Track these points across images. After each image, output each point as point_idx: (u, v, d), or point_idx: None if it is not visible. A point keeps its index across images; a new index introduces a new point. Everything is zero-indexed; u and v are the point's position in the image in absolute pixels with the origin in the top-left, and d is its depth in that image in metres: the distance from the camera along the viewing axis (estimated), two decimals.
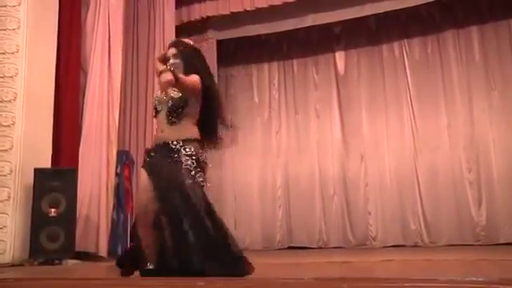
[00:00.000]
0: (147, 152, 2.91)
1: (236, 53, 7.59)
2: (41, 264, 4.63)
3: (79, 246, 5.02)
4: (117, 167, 5.71)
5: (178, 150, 2.75)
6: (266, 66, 7.61)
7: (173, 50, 2.98)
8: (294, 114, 7.35)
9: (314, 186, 7.00)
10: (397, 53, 6.99)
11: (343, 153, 7.01)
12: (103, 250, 5.29)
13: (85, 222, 5.25)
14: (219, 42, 7.02)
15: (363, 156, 6.89)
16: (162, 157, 2.77)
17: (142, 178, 2.81)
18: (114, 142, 5.66)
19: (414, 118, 6.76)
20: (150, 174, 2.77)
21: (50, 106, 5.28)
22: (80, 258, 4.98)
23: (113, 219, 5.60)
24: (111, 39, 5.79)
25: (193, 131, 2.86)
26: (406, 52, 6.94)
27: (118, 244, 5.69)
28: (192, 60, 2.96)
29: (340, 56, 7.26)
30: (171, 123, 2.83)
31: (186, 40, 3.14)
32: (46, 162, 5.10)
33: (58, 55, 5.43)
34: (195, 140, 2.84)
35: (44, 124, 5.20)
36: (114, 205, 5.60)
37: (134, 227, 2.89)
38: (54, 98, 5.33)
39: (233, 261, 2.63)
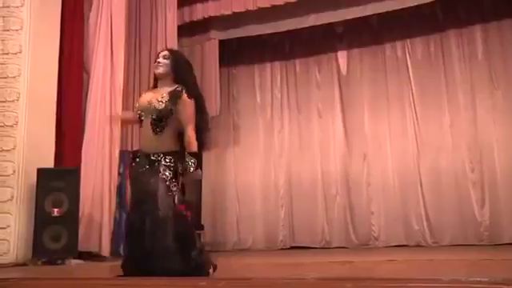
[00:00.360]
0: (133, 157, 3.03)
1: (238, 53, 7.58)
2: (44, 264, 4.65)
3: (82, 246, 5.04)
4: (119, 167, 5.73)
5: (159, 161, 2.86)
6: (268, 65, 7.59)
7: (165, 52, 3.06)
8: (297, 114, 7.34)
9: (316, 185, 6.99)
10: (399, 52, 6.97)
11: (346, 152, 6.99)
12: (106, 250, 5.31)
13: (88, 222, 5.26)
14: (221, 42, 7.01)
15: (366, 156, 6.87)
16: (142, 166, 2.89)
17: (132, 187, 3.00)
18: (117, 141, 5.68)
19: (417, 118, 6.73)
20: (130, 178, 2.99)
21: (52, 106, 5.30)
22: (83, 257, 5.00)
23: (115, 219, 5.60)
24: (113, 39, 5.80)
25: (174, 143, 2.93)
26: (409, 51, 6.92)
27: (121, 244, 5.69)
28: (182, 68, 3.02)
29: (342, 55, 7.25)
30: (155, 133, 2.91)
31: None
32: (49, 162, 5.11)
33: (61, 55, 5.45)
34: (175, 152, 2.91)
35: (47, 124, 5.21)
36: (116, 205, 5.61)
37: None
38: (57, 98, 5.35)
39: (190, 263, 2.79)
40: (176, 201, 2.83)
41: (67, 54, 5.52)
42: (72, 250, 4.79)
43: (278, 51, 7.58)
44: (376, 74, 7.05)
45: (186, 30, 6.93)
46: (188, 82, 2.99)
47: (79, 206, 5.01)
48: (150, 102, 2.94)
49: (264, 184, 7.23)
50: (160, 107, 2.89)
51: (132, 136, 6.30)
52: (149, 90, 3.15)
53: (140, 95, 3.15)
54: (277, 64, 7.57)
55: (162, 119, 2.89)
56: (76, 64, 5.61)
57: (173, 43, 6.40)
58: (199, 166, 2.93)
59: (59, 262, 4.70)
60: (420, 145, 6.66)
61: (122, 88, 5.82)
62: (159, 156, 2.86)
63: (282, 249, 6.86)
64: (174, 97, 2.91)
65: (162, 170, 2.83)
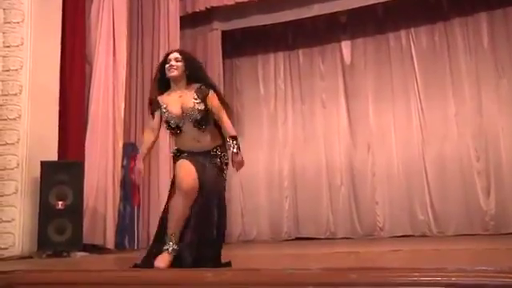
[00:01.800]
0: (181, 154, 3.03)
1: (241, 44, 7.54)
2: (49, 256, 4.68)
3: (87, 239, 5.07)
4: (123, 160, 5.76)
5: (220, 157, 3.00)
6: (271, 56, 7.56)
7: (175, 54, 3.08)
8: (300, 105, 7.32)
9: (320, 176, 6.98)
10: (404, 41, 6.92)
11: (350, 143, 6.98)
12: (110, 243, 5.34)
13: (92, 215, 5.29)
14: (224, 33, 6.99)
15: (370, 146, 6.86)
16: (203, 159, 2.96)
17: (185, 165, 2.92)
18: (120, 134, 5.71)
19: (422, 107, 6.70)
20: (194, 164, 2.91)
21: (55, 98, 5.29)
22: (87, 250, 5.01)
23: (120, 211, 5.65)
24: (116, 31, 5.79)
25: (217, 138, 3.06)
26: (413, 40, 6.87)
27: (125, 236, 5.74)
28: (195, 67, 3.11)
29: (346, 45, 7.21)
30: (203, 131, 3.00)
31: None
32: (53, 155, 5.12)
33: (63, 47, 5.43)
34: (223, 144, 3.05)
35: (50, 117, 5.22)
36: (120, 197, 5.65)
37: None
38: (60, 91, 5.35)
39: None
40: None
41: (69, 46, 5.50)
42: (77, 242, 4.82)
43: (281, 42, 7.54)
44: (380, 64, 7.02)
45: (189, 21, 6.90)
46: (204, 79, 3.09)
47: (83, 199, 5.02)
48: (186, 107, 2.98)
49: (268, 175, 7.24)
50: (201, 107, 2.98)
51: (136, 128, 6.33)
52: (163, 95, 3.09)
53: (154, 108, 3.09)
54: (280, 55, 7.54)
55: (205, 117, 2.99)
56: (78, 57, 5.60)
57: (175, 35, 6.40)
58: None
59: (64, 254, 4.73)
60: (425, 134, 6.64)
61: (124, 80, 5.82)
62: (218, 150, 3.01)
63: (286, 240, 6.88)
64: (202, 95, 3.01)
65: (223, 168, 3.00)
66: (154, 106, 3.08)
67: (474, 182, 6.29)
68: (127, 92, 6.03)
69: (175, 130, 3.02)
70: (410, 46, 6.88)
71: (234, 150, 2.93)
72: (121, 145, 5.68)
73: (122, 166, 5.75)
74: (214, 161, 2.98)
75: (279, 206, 7.10)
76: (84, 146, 5.47)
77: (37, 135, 4.99)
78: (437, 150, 6.54)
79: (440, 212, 6.37)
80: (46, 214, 4.76)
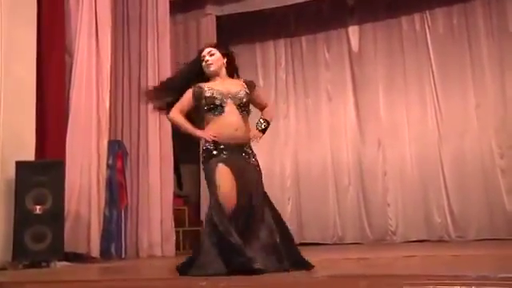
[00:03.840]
0: (217, 147, 3.12)
1: (238, 30, 7.53)
2: (26, 267, 4.63)
3: (68, 247, 5.03)
4: (108, 159, 5.74)
5: (254, 156, 3.19)
6: (271, 43, 7.59)
7: (210, 49, 3.30)
8: (304, 97, 7.35)
9: (326, 175, 7.01)
10: (418, 26, 6.93)
11: (359, 139, 7.01)
12: (95, 251, 5.31)
13: (74, 220, 5.26)
14: (219, 18, 6.99)
15: (381, 142, 6.89)
16: (239, 159, 3.12)
17: (225, 173, 3.03)
18: (105, 130, 5.68)
19: (438, 99, 6.71)
20: (235, 174, 3.05)
21: (31, 92, 5.26)
22: (69, 259, 4.98)
23: (105, 216, 5.62)
24: (98, 18, 5.77)
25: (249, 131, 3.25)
26: (429, 25, 6.88)
27: (112, 243, 5.73)
28: (231, 59, 3.35)
29: (354, 31, 7.22)
30: (244, 117, 3.18)
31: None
32: (30, 155, 5.08)
33: (39, 36, 5.39)
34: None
35: (26, 113, 5.18)
36: (105, 200, 5.62)
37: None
38: (37, 84, 5.31)
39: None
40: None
41: (47, 35, 5.45)
42: (57, 251, 4.76)
43: (282, 27, 7.55)
44: (392, 52, 7.03)
45: (180, 4, 6.89)
46: (234, 72, 3.38)
47: (64, 203, 4.97)
48: (232, 88, 3.19)
49: (268, 175, 7.06)
50: (248, 91, 3.21)
51: (122, 124, 6.32)
52: (205, 83, 3.28)
53: (194, 90, 3.22)
54: (281, 42, 7.56)
55: (247, 105, 3.20)
56: (57, 46, 5.56)
57: (165, 20, 6.38)
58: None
59: (43, 264, 4.69)
60: (442, 129, 6.66)
61: (109, 72, 5.80)
62: (250, 148, 3.19)
63: None
64: (250, 86, 3.26)
65: (259, 169, 3.17)
66: (197, 91, 3.22)
67: (497, 182, 6.29)
68: (112, 84, 6.00)
69: (217, 109, 3.14)
70: (425, 31, 6.88)
71: (262, 127, 3.25)
72: (106, 142, 5.66)
73: (108, 166, 5.73)
74: (251, 160, 3.16)
75: (281, 208, 6.91)
76: (65, 143, 5.43)
77: (12, 133, 4.95)
78: (455, 147, 6.54)
79: (459, 214, 6.38)
80: (22, 220, 4.71)
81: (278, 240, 2.98)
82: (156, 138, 6.15)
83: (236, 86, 3.22)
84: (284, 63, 7.50)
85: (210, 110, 3.15)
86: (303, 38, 7.45)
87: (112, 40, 5.93)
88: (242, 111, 3.16)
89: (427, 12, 6.89)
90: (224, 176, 3.01)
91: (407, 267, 3.56)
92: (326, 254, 5.40)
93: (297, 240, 6.79)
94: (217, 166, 3.04)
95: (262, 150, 7.20)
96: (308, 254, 5.20)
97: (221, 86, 3.20)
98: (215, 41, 6.73)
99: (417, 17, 6.95)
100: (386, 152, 6.84)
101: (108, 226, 5.68)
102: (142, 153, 6.19)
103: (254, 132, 3.21)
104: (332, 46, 7.32)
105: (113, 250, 5.73)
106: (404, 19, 7.01)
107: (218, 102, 3.13)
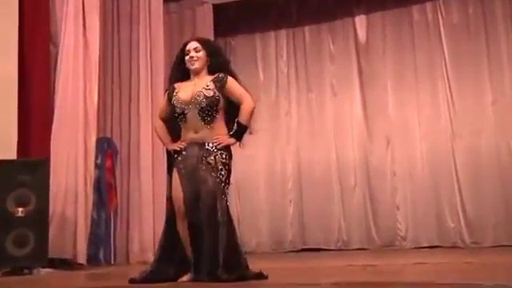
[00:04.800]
0: (178, 153, 3.24)
1: (236, 20, 7.56)
2: (6, 274, 4.61)
3: (53, 252, 4.98)
4: (96, 157, 5.71)
5: (215, 154, 3.14)
6: (272, 34, 7.59)
7: (195, 44, 3.32)
8: (307, 92, 7.35)
9: (331, 176, 7.01)
10: (430, 15, 6.91)
11: (366, 137, 7.01)
12: (82, 256, 5.27)
13: (59, 223, 5.22)
14: (216, 7, 6.96)
15: (389, 140, 6.89)
16: (196, 159, 3.15)
17: (175, 179, 3.17)
18: (93, 127, 5.64)
19: (451, 94, 6.70)
20: (182, 177, 3.14)
21: (13, 86, 5.23)
22: (54, 265, 4.95)
23: (93, 219, 5.58)
24: (86, 5, 5.74)
25: (226, 132, 3.23)
26: (442, 14, 6.86)
27: (100, 248, 5.70)
28: (218, 57, 3.37)
29: (361, 21, 7.22)
30: (206, 123, 3.19)
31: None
32: (11, 153, 5.05)
33: (22, 24, 5.36)
34: (228, 147, 3.23)
35: (7, 108, 5.15)
36: (93, 202, 5.59)
37: (168, 231, 3.25)
38: (19, 77, 5.28)
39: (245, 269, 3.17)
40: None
41: (29, 23, 5.42)
42: (41, 256, 4.72)
43: (283, 17, 7.55)
44: (402, 43, 7.03)
45: None
46: (225, 69, 3.34)
47: (49, 204, 4.93)
48: (195, 94, 3.20)
49: (269, 175, 7.28)
50: (209, 94, 3.18)
51: (112, 120, 6.30)
52: (181, 84, 3.35)
53: (169, 92, 3.35)
54: (283, 33, 7.57)
55: (212, 107, 3.17)
56: (41, 36, 5.53)
57: (158, 9, 6.36)
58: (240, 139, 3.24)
59: (25, 271, 4.65)
60: (455, 126, 6.65)
61: (97, 64, 5.76)
62: (215, 148, 3.15)
63: (290, 251, 6.91)
64: (221, 84, 3.23)
65: (219, 167, 3.12)
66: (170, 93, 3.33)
67: None
68: (101, 77, 5.97)
69: (180, 117, 3.23)
70: (438, 21, 6.87)
71: (232, 131, 3.19)
72: (94, 139, 5.63)
73: (96, 165, 5.70)
74: (209, 159, 3.13)
75: (282, 211, 7.14)
76: (50, 141, 5.40)
77: None
78: (470, 146, 6.53)
79: (474, 218, 6.36)
80: (2, 223, 4.67)
81: (219, 247, 3.00)
82: (148, 135, 6.11)
83: (199, 88, 3.22)
84: (286, 56, 7.50)
85: (176, 117, 3.26)
86: (306, 29, 7.44)
87: (101, 29, 5.89)
88: (204, 116, 3.18)
89: (440, 0, 6.87)
90: (174, 182, 3.16)
91: (417, 275, 3.56)
92: (329, 260, 5.46)
93: (298, 245, 6.96)
94: (173, 174, 3.18)
95: (261, 150, 7.34)
96: (310, 260, 5.22)
97: (188, 91, 3.24)
98: (212, 31, 6.75)
99: (429, 5, 6.94)
100: (395, 151, 6.83)
101: (96, 230, 5.65)
102: (132, 151, 6.15)
103: (222, 136, 3.19)
104: (337, 37, 7.31)
105: (101, 255, 5.70)
106: (415, 8, 7.00)
107: (178, 111, 3.23)
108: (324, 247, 6.78)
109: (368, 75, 7.11)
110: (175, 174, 3.17)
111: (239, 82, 3.32)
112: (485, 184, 6.39)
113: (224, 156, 3.15)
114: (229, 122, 3.28)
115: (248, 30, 7.61)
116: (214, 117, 3.20)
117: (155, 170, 6.09)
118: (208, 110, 3.17)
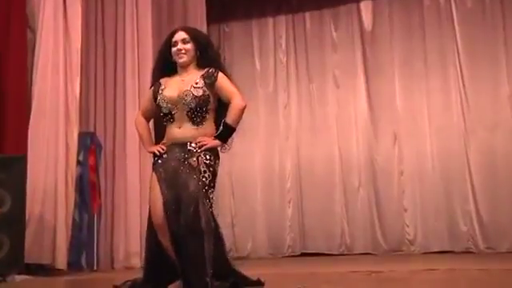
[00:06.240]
0: (159, 152, 3.23)
1: (231, 5, 7.54)
2: None
3: (30, 257, 5.01)
4: (78, 154, 5.71)
5: (198, 155, 3.10)
6: (270, 21, 7.58)
7: (184, 35, 3.29)
8: (307, 84, 7.33)
9: (333, 174, 7.00)
10: (442, 0, 6.87)
11: (371, 132, 7.00)
12: (62, 261, 5.29)
13: (37, 226, 5.23)
14: None
15: (397, 136, 6.88)
16: (177, 161, 3.11)
17: (154, 186, 3.12)
18: (75, 121, 5.65)
19: (465, 86, 6.68)
20: (161, 183, 3.09)
21: None
22: (31, 272, 4.95)
23: (74, 221, 5.58)
24: None
25: (214, 132, 3.20)
26: None
27: (82, 253, 5.71)
28: (207, 49, 3.33)
29: (366, 6, 7.20)
30: (195, 124, 3.18)
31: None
32: None
33: None
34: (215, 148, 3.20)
35: None
36: (75, 202, 5.59)
37: (151, 237, 3.25)
38: None
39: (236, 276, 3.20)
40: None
41: (3, 6, 5.39)
42: (16, 262, 4.74)
43: (282, 2, 7.53)
44: (410, 31, 7.01)
45: None
46: (216, 63, 3.32)
47: (25, 205, 4.95)
48: (183, 93, 3.17)
49: (266, 174, 7.27)
50: (199, 93, 3.15)
51: (95, 113, 6.28)
52: (167, 79, 3.33)
53: (154, 88, 3.33)
54: (281, 19, 7.56)
55: (201, 107, 3.16)
56: (16, 20, 5.52)
57: None
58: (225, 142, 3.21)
59: None
60: (468, 121, 6.64)
61: (79, 51, 5.76)
62: (198, 148, 3.11)
63: (289, 256, 6.92)
64: (211, 81, 3.20)
65: (202, 169, 3.06)
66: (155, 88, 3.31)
67: None
68: (84, 66, 5.98)
69: (166, 117, 3.20)
70: (451, 6, 6.84)
71: (217, 133, 3.15)
72: (76, 135, 5.65)
73: (78, 162, 5.70)
74: (191, 160, 3.09)
75: (280, 213, 7.13)
76: (27, 136, 5.42)
77: None
78: (484, 142, 6.53)
79: (488, 222, 6.36)
80: None
81: (205, 257, 2.96)
82: (135, 130, 6.07)
83: (188, 85, 3.19)
84: (285, 44, 7.48)
85: (163, 116, 3.25)
86: (307, 15, 7.42)
87: (83, 14, 5.87)
88: (193, 117, 3.17)
89: None
90: (153, 189, 3.12)
91: (427, 282, 3.58)
92: (332, 265, 5.47)
93: (298, 249, 6.96)
94: (152, 181, 3.16)
95: (257, 146, 7.33)
96: (311, 266, 5.23)
97: (175, 88, 3.21)
98: (204, 17, 6.72)
99: None
100: (403, 148, 6.83)
101: (78, 233, 5.65)
102: (118, 147, 6.14)
103: (207, 137, 3.15)
104: (341, 24, 7.30)
105: (83, 260, 5.69)
106: None
107: (165, 111, 3.21)
108: (325, 252, 6.79)
109: (374, 65, 7.09)
110: (154, 180, 3.13)
111: (230, 79, 3.29)
112: (500, 185, 6.38)
113: (208, 157, 3.10)
114: (218, 122, 3.25)
115: (244, 15, 7.60)
116: (204, 117, 3.18)
117: (142, 168, 6.06)
118: (197, 111, 3.16)
